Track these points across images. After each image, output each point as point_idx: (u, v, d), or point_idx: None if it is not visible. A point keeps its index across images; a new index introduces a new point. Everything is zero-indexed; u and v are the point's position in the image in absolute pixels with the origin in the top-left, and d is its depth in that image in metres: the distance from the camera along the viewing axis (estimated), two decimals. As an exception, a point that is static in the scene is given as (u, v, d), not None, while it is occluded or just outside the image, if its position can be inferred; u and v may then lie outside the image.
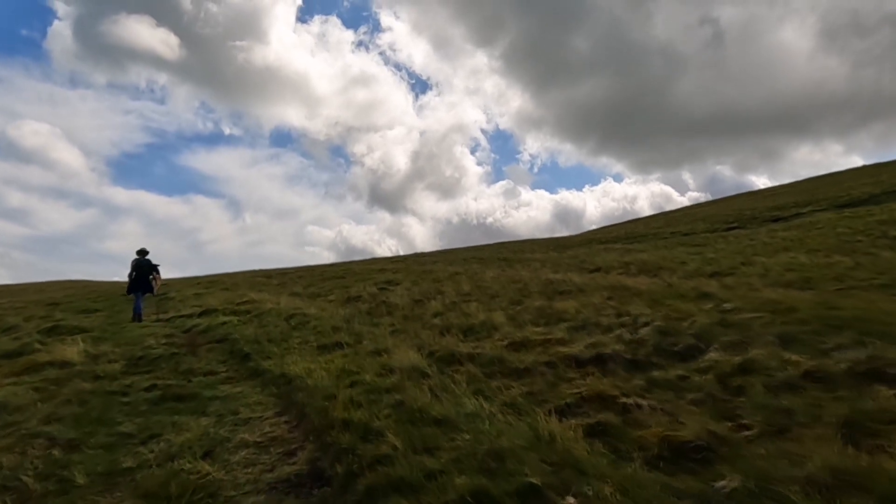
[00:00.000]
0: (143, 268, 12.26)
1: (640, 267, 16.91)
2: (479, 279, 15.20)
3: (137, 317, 11.37)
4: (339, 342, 7.33)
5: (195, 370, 6.35)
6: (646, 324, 6.79)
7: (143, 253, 12.64)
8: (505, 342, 7.11)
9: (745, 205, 42.75)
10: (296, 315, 9.94)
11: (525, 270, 18.36)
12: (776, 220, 30.46)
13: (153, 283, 12.31)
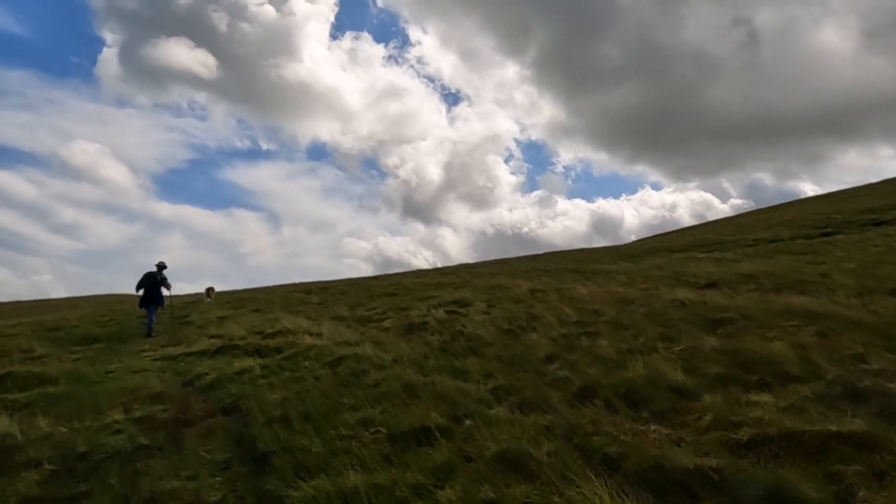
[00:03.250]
0: (150, 281, 12.06)
1: (774, 281, 13.08)
2: (574, 297, 11.86)
3: (149, 332, 11.22)
4: (425, 428, 4.17)
5: (159, 494, 3.28)
6: None
7: (160, 266, 12.51)
8: (725, 435, 3.85)
9: (822, 209, 37.82)
10: (345, 359, 6.88)
11: (616, 285, 14.89)
12: (877, 223, 26.08)
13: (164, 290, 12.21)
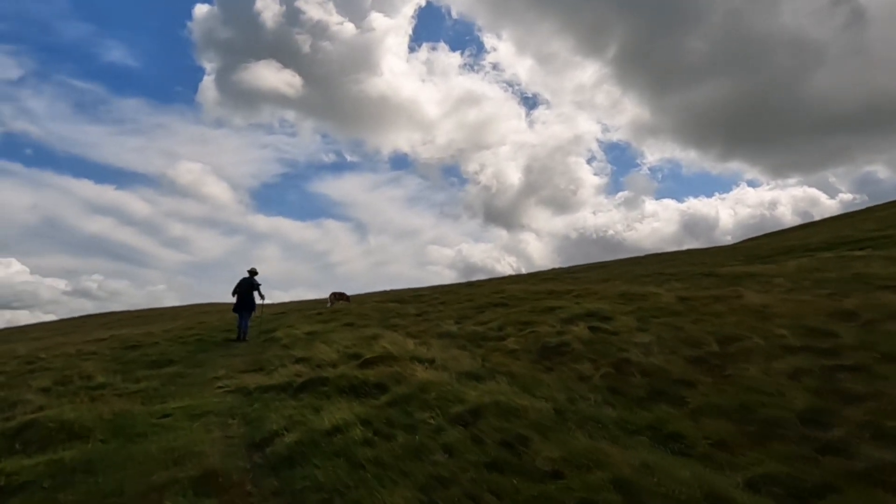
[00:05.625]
0: (246, 287, 12.10)
1: None
2: (752, 309, 8.83)
3: (242, 336, 11.54)
4: None
5: None
6: None
7: (252, 273, 12.58)
8: None
9: None
10: (482, 410, 4.48)
11: (782, 291, 11.42)
12: None
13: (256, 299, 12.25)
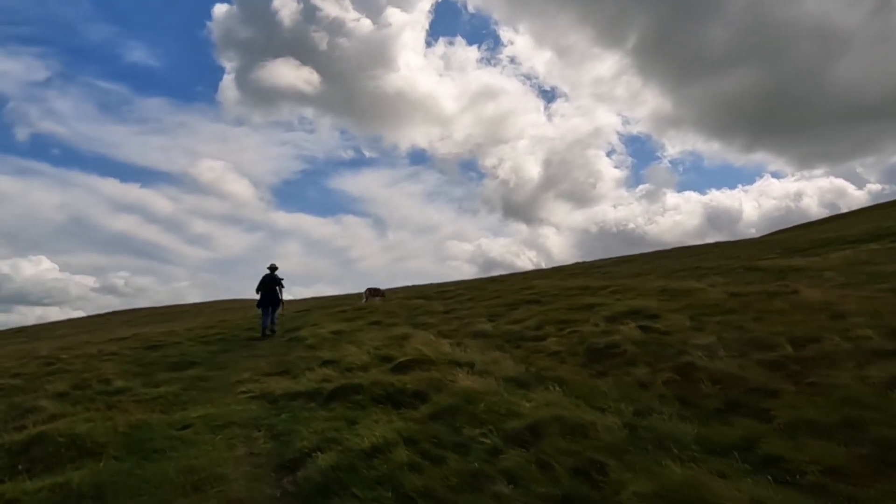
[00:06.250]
0: (268, 283, 12.04)
1: None
2: (814, 306, 8.10)
3: (270, 331, 11.47)
4: None
5: None
6: None
7: (273, 268, 12.48)
8: None
9: None
10: (542, 428, 3.89)
11: (833, 286, 10.58)
12: None
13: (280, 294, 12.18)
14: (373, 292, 16.38)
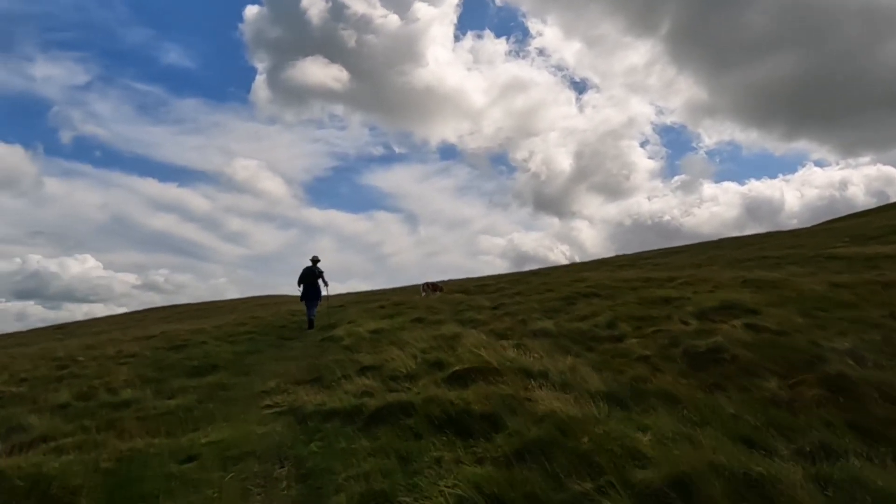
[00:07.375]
0: (310, 276, 11.84)
1: None
2: None
3: (310, 324, 11.27)
4: None
5: None
6: None
7: (315, 261, 12.17)
8: None
9: None
10: (697, 479, 2.56)
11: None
12: None
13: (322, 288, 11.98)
14: (431, 286, 14.80)
